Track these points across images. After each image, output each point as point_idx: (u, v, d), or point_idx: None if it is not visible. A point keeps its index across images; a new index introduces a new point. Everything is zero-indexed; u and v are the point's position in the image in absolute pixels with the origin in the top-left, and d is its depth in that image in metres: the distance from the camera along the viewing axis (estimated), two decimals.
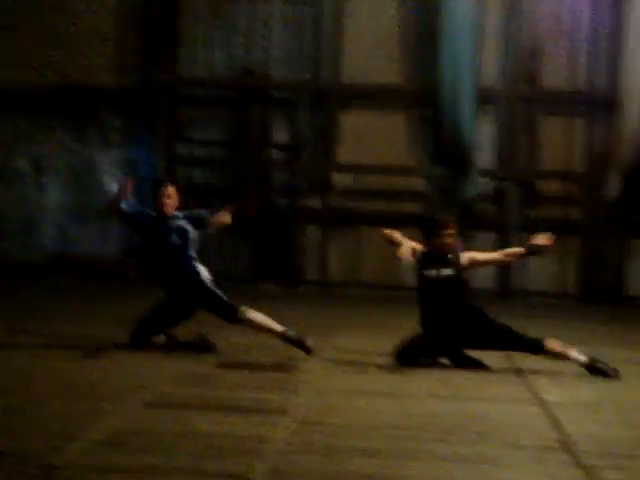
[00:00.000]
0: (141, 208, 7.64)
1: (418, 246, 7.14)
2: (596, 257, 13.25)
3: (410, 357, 7.09)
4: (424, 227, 7.23)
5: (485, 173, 13.42)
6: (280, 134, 13.79)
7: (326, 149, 13.55)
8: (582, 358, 6.88)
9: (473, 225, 13.44)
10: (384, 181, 13.35)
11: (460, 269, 7.05)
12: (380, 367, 6.98)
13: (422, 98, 13.45)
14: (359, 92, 13.60)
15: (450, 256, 7.03)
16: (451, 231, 7.06)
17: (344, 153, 13.48)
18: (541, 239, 7.23)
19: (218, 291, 7.38)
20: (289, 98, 13.73)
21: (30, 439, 4.52)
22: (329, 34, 13.56)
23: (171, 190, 7.56)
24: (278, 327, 7.25)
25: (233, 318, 7.29)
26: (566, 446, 4.76)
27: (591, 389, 6.46)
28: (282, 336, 7.21)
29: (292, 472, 4.08)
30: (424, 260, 7.06)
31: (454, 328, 7.02)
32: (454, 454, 4.53)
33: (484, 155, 13.37)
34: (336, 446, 4.59)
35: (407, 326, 8.02)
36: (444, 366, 7.10)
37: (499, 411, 5.62)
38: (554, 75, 13.39)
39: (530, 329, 9.72)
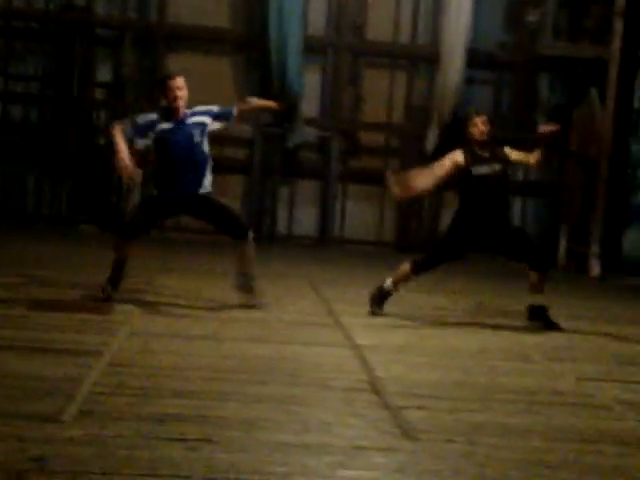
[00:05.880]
0: (144, 121, 6.88)
1: (454, 156, 7.17)
2: (413, 207, 13.68)
3: (428, 265, 7.32)
4: (462, 126, 7.29)
5: (310, 122, 13.56)
6: (104, 73, 13.45)
7: (151, 90, 13.33)
8: None
9: (297, 173, 13.61)
10: None
11: (507, 163, 7.20)
12: (201, 311, 7.02)
13: (250, 43, 13.41)
14: (186, 33, 13.42)
15: (494, 150, 7.14)
16: (484, 119, 7.14)
17: None
18: (545, 127, 7.39)
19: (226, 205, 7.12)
20: (113, 36, 13.39)
21: None
22: None
23: (181, 81, 6.88)
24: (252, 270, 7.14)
25: (242, 234, 7.05)
26: (374, 387, 4.96)
27: (401, 334, 6.73)
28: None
29: (104, 413, 4.07)
30: (470, 159, 7.11)
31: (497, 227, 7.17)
32: (267, 395, 4.63)
33: (309, 104, 13.49)
34: (150, 388, 4.60)
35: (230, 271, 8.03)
36: (262, 311, 7.21)
37: (313, 354, 5.77)
38: (379, 28, 13.63)
39: (344, 274, 10.05)
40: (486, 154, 7.16)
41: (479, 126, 7.15)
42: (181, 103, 6.89)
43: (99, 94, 13.53)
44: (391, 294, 7.43)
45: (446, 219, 13.38)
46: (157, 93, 7.16)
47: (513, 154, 7.28)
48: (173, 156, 6.92)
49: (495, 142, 7.26)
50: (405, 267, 7.39)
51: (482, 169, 7.12)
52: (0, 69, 13.18)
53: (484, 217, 7.17)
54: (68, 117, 13.19)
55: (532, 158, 7.29)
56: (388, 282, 7.41)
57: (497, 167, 7.15)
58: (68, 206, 13.27)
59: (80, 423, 3.90)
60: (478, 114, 7.23)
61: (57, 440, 3.65)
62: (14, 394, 4.29)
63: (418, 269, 7.35)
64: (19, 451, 3.49)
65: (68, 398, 4.25)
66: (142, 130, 6.91)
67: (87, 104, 13.34)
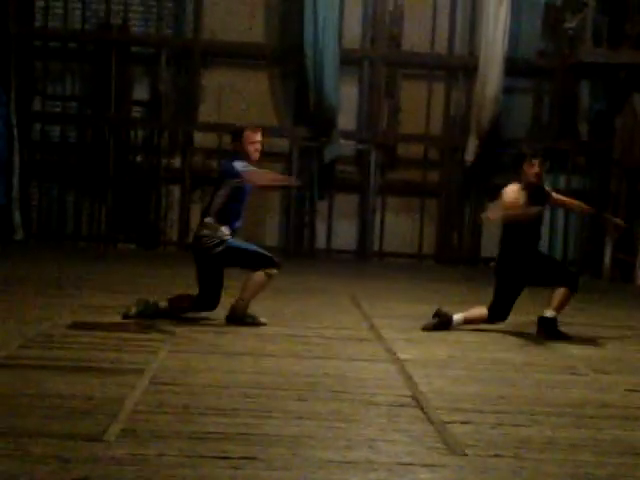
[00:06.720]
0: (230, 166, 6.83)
1: (516, 194, 7.10)
2: (453, 219, 13.58)
3: (504, 311, 7.24)
4: (517, 161, 7.26)
5: (347, 135, 13.52)
6: (140, 91, 13.52)
7: (188, 107, 13.38)
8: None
9: (335, 186, 13.57)
10: None
11: (549, 204, 7.35)
12: (240, 328, 6.99)
13: (286, 57, 13.41)
14: (221, 49, 13.45)
15: (545, 190, 7.22)
16: (541, 161, 7.11)
17: (206, 112, 13.35)
18: (617, 222, 8.01)
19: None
20: (150, 54, 13.46)
21: None
22: None
23: (260, 134, 6.92)
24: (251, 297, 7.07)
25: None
26: (418, 402, 4.90)
27: (443, 348, 6.65)
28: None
29: (146, 432, 4.05)
30: (529, 201, 7.07)
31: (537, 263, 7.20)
32: (309, 412, 4.59)
33: (346, 117, 13.46)
34: (192, 406, 4.58)
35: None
36: (303, 326, 7.17)
37: (355, 369, 5.72)
38: (415, 39, 13.57)
39: (384, 288, 9.99)
40: (538, 194, 7.15)
41: (536, 168, 7.10)
42: (258, 156, 6.93)
43: (136, 112, 13.61)
44: (452, 326, 7.33)
45: (486, 232, 13.34)
46: (232, 141, 7.06)
47: (557, 197, 7.45)
48: (239, 206, 6.93)
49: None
50: (481, 311, 7.34)
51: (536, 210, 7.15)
52: (38, 90, 13.30)
53: (528, 250, 7.17)
54: (106, 136, 13.28)
55: (577, 206, 7.70)
56: (458, 316, 7.34)
57: (543, 208, 7.23)
58: (107, 225, 13.34)
59: (123, 442, 3.88)
60: (535, 155, 7.17)
61: (100, 460, 3.64)
62: (57, 414, 4.29)
63: (492, 317, 7.30)
64: (63, 471, 3.48)
65: (111, 417, 4.24)
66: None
67: (124, 122, 13.43)
